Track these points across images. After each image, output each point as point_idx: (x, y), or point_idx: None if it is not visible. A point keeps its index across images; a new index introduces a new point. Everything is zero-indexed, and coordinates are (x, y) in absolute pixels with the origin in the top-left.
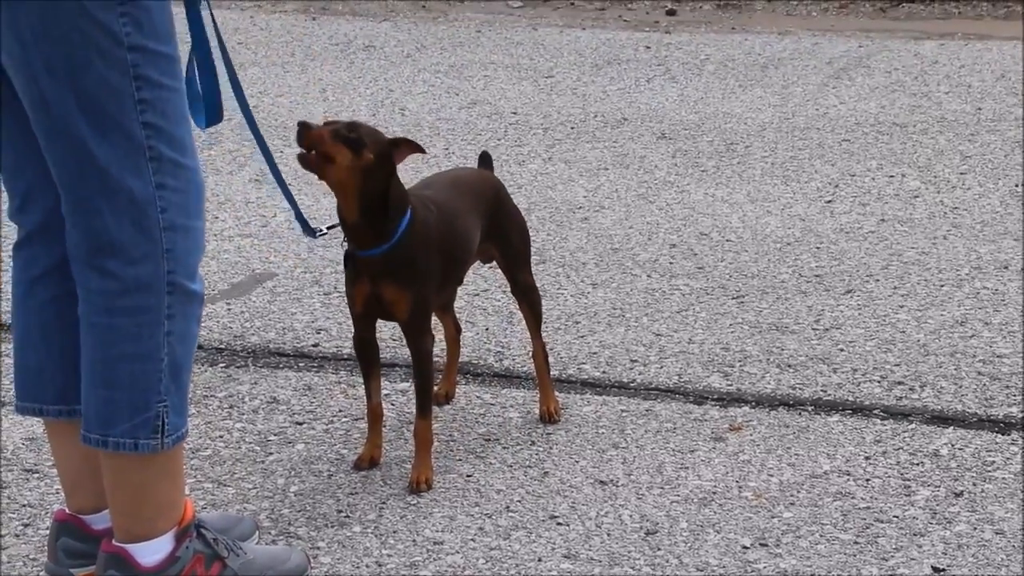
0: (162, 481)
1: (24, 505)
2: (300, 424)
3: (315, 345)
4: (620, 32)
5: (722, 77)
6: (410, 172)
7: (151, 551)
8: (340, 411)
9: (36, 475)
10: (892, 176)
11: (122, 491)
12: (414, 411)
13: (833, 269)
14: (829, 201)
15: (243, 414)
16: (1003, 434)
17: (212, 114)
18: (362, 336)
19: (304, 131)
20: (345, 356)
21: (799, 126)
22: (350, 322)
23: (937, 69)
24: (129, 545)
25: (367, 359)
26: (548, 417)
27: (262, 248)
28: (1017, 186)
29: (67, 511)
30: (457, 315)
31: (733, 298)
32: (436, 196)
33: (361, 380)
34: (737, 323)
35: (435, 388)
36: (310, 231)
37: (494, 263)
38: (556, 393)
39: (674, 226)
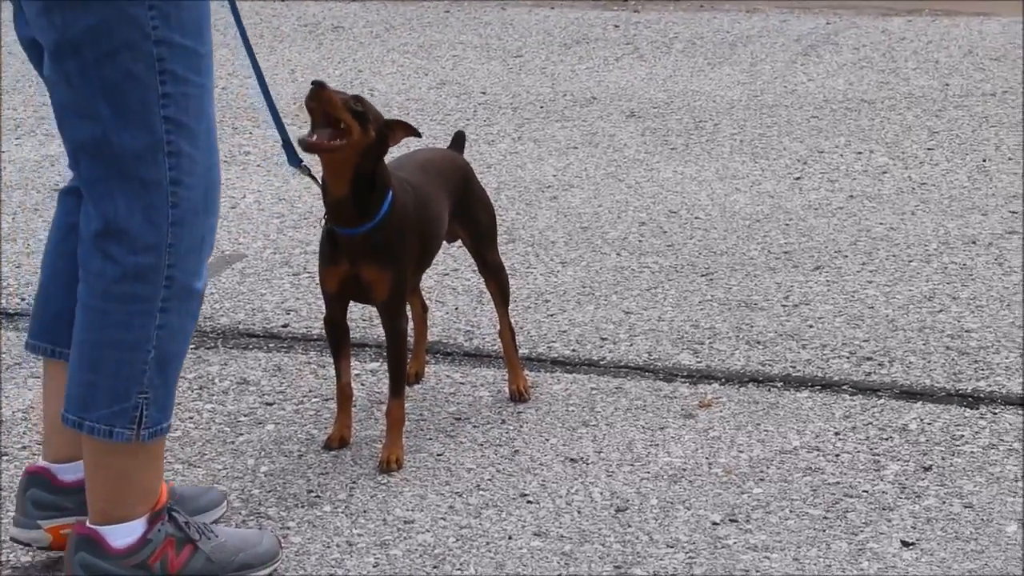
0: (145, 471)
1: None
2: (270, 405)
3: (285, 326)
4: (589, 11)
5: (691, 55)
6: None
7: (123, 533)
8: (310, 391)
9: (6, 457)
10: (860, 152)
11: (102, 475)
12: (386, 391)
13: (802, 245)
14: (798, 178)
15: (213, 395)
16: (971, 408)
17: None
18: (333, 317)
19: (320, 91)
20: (315, 336)
21: (767, 103)
22: (320, 303)
23: (905, 45)
24: (102, 527)
25: (337, 340)
26: (518, 396)
27: (231, 229)
28: (984, 161)
29: (38, 464)
30: (427, 295)
31: (702, 275)
32: (411, 178)
33: (331, 360)
34: (706, 300)
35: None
36: (295, 159)
37: (459, 243)
38: (526, 372)
39: (643, 204)
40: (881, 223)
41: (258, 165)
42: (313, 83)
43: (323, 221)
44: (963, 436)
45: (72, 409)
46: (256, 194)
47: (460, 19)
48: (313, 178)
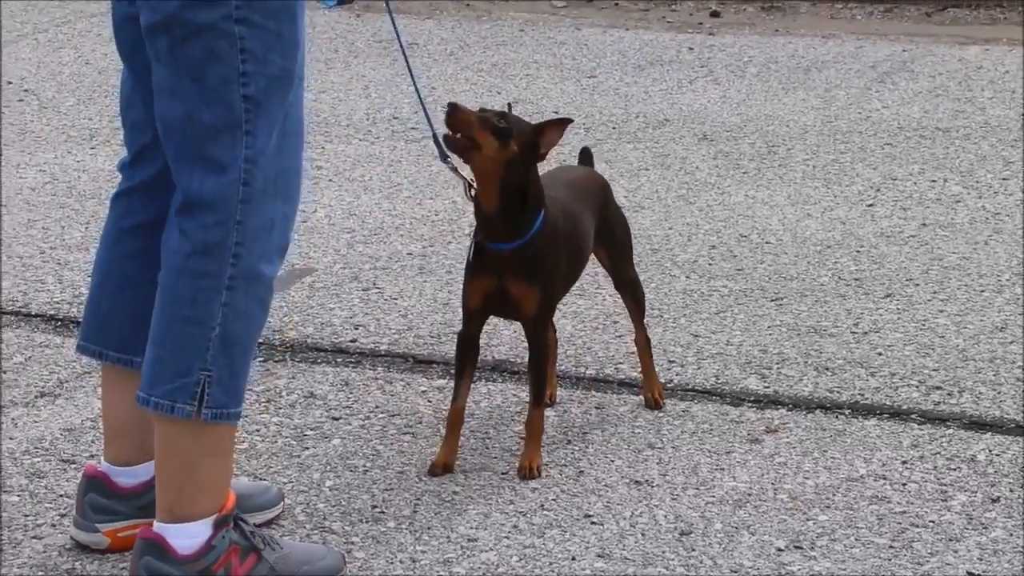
0: (209, 458)
1: (61, 495)
2: (336, 419)
3: (353, 341)
4: (663, 33)
5: (765, 79)
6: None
7: (188, 535)
8: (376, 407)
9: (74, 465)
10: (934, 181)
11: (170, 461)
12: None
13: (873, 273)
14: (870, 205)
15: (280, 408)
16: None
17: None
18: (469, 333)
19: (453, 112)
20: (382, 352)
21: (841, 129)
22: (388, 318)
23: (981, 74)
24: (168, 526)
25: (466, 357)
26: (654, 403)
27: (301, 243)
28: None
29: (96, 467)
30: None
31: (772, 300)
32: (560, 196)
33: (398, 376)
34: (775, 325)
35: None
36: (444, 156)
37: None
38: (593, 393)
39: (714, 227)
40: (954, 252)
41: (330, 180)
42: (448, 105)
43: (471, 236)
44: None
45: (143, 386)
46: (327, 208)
47: (534, 38)
48: (461, 177)
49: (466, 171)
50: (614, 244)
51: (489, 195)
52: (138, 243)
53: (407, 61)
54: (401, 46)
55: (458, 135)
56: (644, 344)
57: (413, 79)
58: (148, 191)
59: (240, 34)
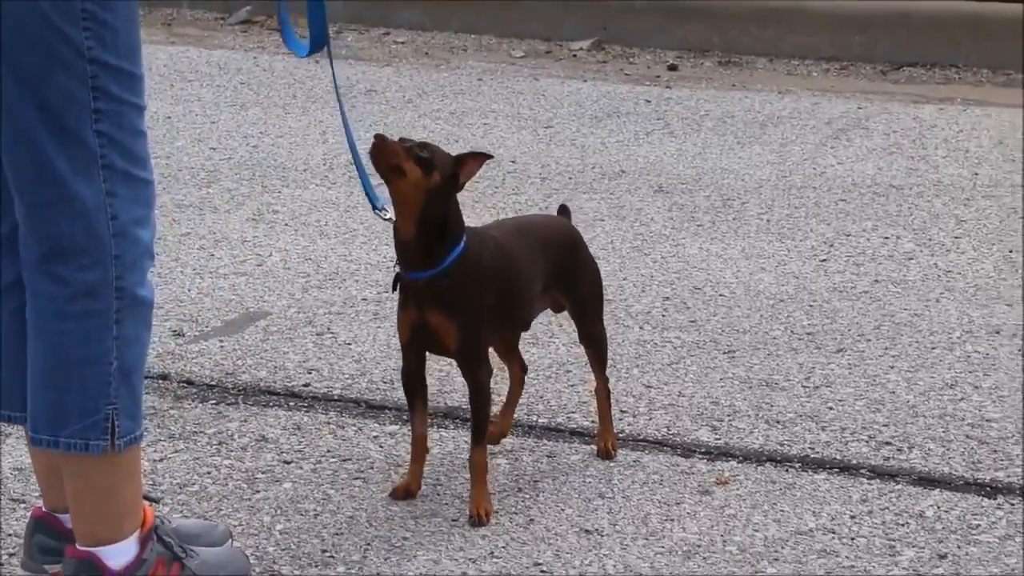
0: (127, 485)
1: (10, 534)
2: (288, 463)
3: (306, 385)
4: (621, 85)
5: (721, 133)
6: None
7: (118, 553)
8: (328, 451)
9: (23, 505)
10: (887, 237)
11: (89, 496)
12: (404, 455)
13: (825, 327)
14: (823, 260)
15: (232, 451)
16: (989, 498)
17: (316, 41)
18: (409, 369)
19: (381, 143)
20: (335, 397)
21: (796, 184)
22: (341, 363)
23: (935, 133)
24: (97, 549)
25: (413, 391)
26: (606, 453)
27: (256, 287)
28: (1012, 252)
29: (43, 508)
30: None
31: (724, 352)
32: (498, 235)
33: (350, 421)
34: (728, 378)
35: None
36: (375, 206)
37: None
38: (544, 441)
39: (668, 279)
40: (905, 308)
41: (286, 224)
42: (375, 136)
43: (394, 267)
44: (979, 525)
45: (42, 430)
46: (283, 253)
47: (492, 87)
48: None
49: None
50: (579, 297)
51: (408, 222)
52: (13, 302)
53: (342, 109)
54: (338, 94)
55: (387, 162)
56: (604, 395)
57: (347, 126)
58: (9, 248)
59: (92, 73)
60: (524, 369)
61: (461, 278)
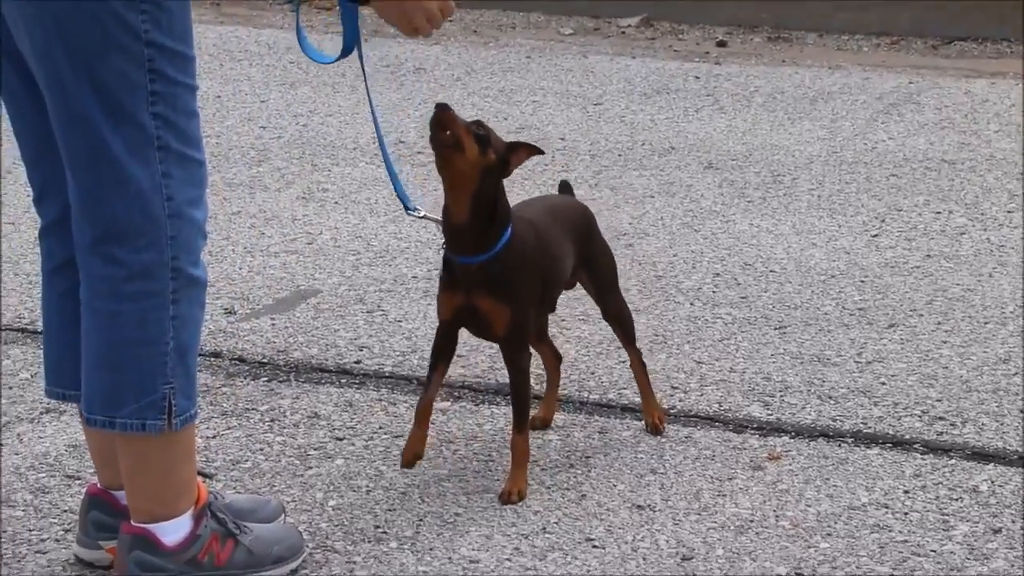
0: (183, 462)
1: (65, 511)
2: (340, 440)
3: (357, 362)
4: (670, 62)
5: (771, 109)
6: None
7: (173, 530)
8: (380, 428)
9: (78, 481)
10: (939, 212)
11: (145, 474)
12: (455, 431)
13: (877, 303)
14: (875, 235)
15: (284, 428)
16: None
17: (347, 47)
18: (441, 342)
19: (443, 113)
20: (386, 374)
21: (847, 160)
22: (392, 340)
23: (987, 107)
24: (152, 525)
25: (438, 360)
26: (654, 428)
27: (307, 265)
28: None
29: (98, 485)
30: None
31: (775, 328)
32: (535, 219)
33: (402, 399)
34: (779, 353)
35: (532, 411)
36: (407, 207)
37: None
38: (596, 417)
39: (718, 255)
40: (958, 284)
41: (336, 202)
42: (436, 104)
43: (441, 250)
44: None
45: (98, 410)
46: (333, 231)
47: (541, 65)
48: (432, 219)
49: (436, 213)
50: (599, 273)
51: (460, 204)
52: (66, 282)
53: (375, 116)
54: (371, 104)
55: (447, 132)
56: (640, 367)
57: (379, 133)
58: (60, 228)
59: (149, 56)
60: (559, 357)
61: (511, 263)
